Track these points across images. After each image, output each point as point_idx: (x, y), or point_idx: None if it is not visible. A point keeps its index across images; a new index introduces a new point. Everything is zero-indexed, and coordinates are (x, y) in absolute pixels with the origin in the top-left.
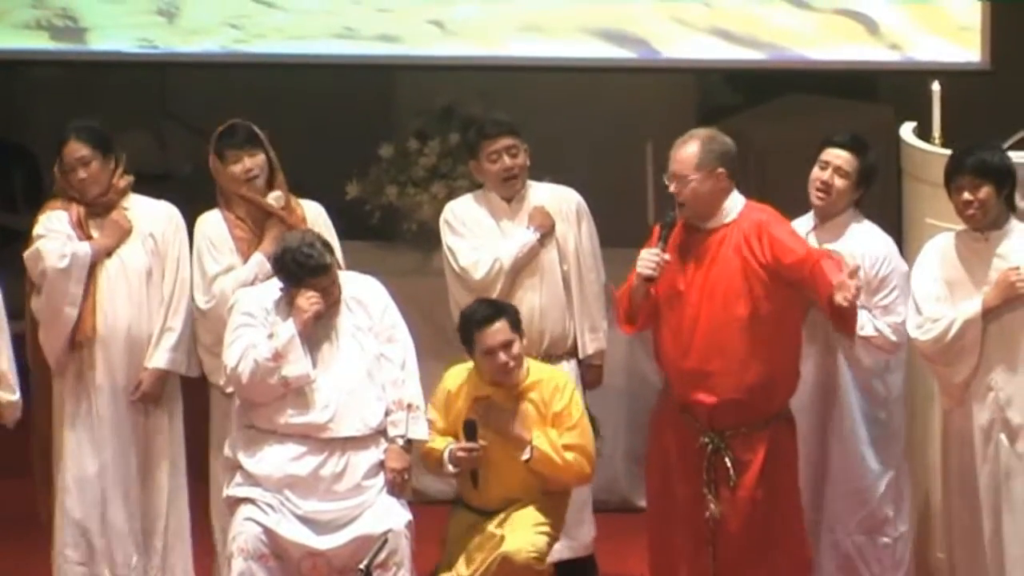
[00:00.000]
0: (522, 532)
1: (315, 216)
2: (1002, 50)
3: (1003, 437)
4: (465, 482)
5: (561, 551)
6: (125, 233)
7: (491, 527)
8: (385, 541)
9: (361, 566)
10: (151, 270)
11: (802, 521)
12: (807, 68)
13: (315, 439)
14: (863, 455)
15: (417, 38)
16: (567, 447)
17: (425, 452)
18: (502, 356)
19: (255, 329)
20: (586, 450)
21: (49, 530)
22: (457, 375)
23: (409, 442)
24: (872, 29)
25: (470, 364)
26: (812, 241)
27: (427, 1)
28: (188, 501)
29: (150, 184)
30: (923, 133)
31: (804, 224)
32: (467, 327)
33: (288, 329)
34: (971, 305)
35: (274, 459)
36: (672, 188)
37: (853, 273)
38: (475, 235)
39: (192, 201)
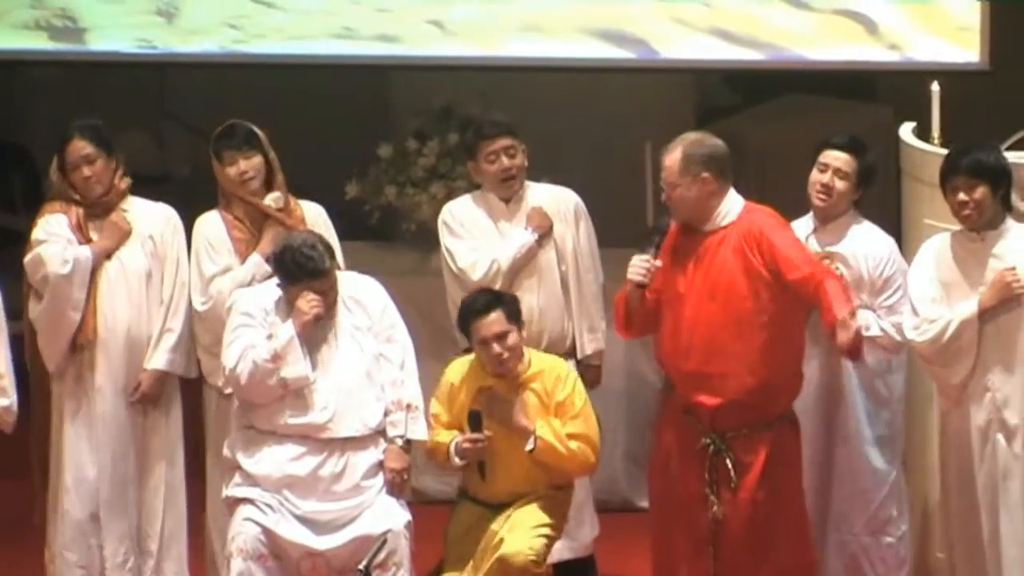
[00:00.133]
0: (521, 534)
1: (315, 217)
2: (1001, 50)
3: (1000, 437)
4: (472, 475)
5: (561, 551)
6: (125, 235)
7: (495, 526)
8: (384, 541)
9: (360, 566)
10: (150, 272)
11: (806, 522)
12: (806, 68)
13: (314, 439)
14: (868, 455)
15: (416, 38)
16: (571, 436)
17: (432, 447)
18: (496, 347)
19: (254, 330)
20: (590, 439)
21: (42, 532)
22: (459, 367)
23: (408, 442)
24: (871, 29)
25: (471, 356)
26: (813, 244)
27: (426, 1)
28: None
29: (149, 184)
30: (922, 133)
31: (804, 226)
32: (465, 316)
33: (287, 330)
34: (967, 306)
35: (273, 459)
36: (663, 195)
37: (854, 313)
38: (473, 236)
39: (191, 201)
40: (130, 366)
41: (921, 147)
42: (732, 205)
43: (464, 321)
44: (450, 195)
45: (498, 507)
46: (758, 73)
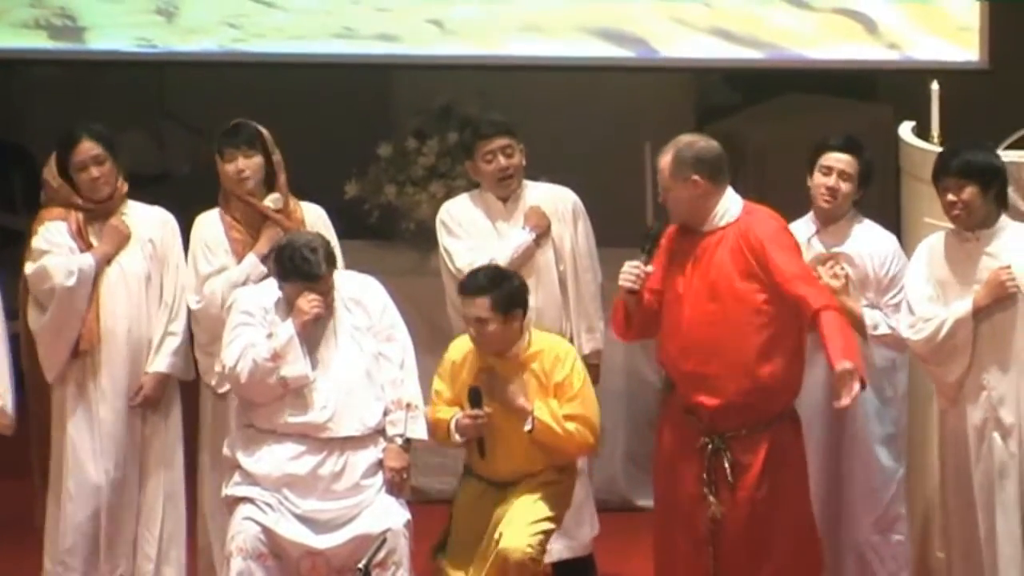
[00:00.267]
0: (519, 529)
1: (314, 219)
2: (1001, 50)
3: (996, 436)
4: (472, 452)
5: (561, 551)
6: (125, 239)
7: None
8: (384, 540)
9: (360, 565)
10: (150, 275)
11: (810, 521)
12: (806, 68)
13: (314, 439)
14: (877, 454)
15: (416, 37)
16: (568, 417)
17: (433, 423)
18: (472, 329)
19: (254, 328)
20: (588, 420)
21: (42, 534)
22: (461, 345)
23: (408, 441)
24: (871, 28)
25: None
26: (817, 245)
27: (426, 1)
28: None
29: (148, 184)
30: (922, 132)
31: (805, 228)
32: (461, 287)
33: (287, 329)
34: (962, 305)
35: (273, 458)
36: (660, 196)
37: (853, 373)
38: (471, 236)
39: (190, 201)
40: (131, 370)
41: (921, 146)
42: (730, 206)
43: (460, 290)
44: (450, 194)
45: (501, 485)
46: (758, 72)
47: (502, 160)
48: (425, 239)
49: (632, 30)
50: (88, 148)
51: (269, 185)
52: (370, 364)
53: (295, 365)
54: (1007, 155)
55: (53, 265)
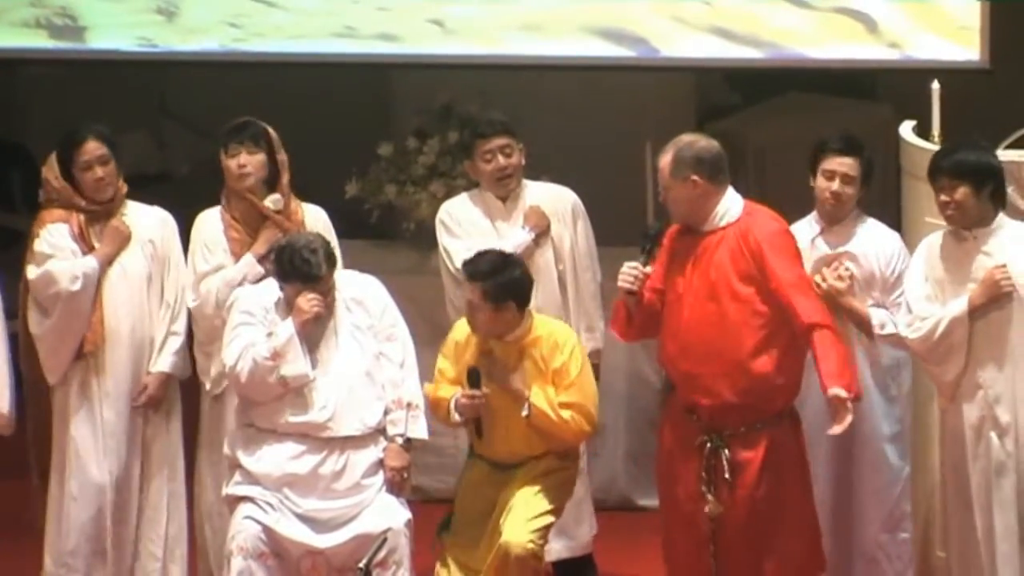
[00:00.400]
0: (520, 521)
1: (315, 220)
2: (1001, 49)
3: (993, 435)
4: (471, 432)
5: (560, 550)
6: (126, 240)
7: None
8: (384, 540)
9: (360, 565)
10: (151, 275)
11: (812, 520)
12: (806, 67)
13: (314, 438)
14: (885, 453)
15: (416, 37)
16: (564, 405)
17: (434, 401)
18: (467, 311)
19: (254, 328)
20: (584, 408)
21: (42, 536)
22: (465, 326)
23: (408, 441)
24: (871, 28)
25: None
26: (821, 245)
27: (426, 0)
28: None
29: (148, 184)
30: (923, 132)
31: (809, 229)
32: (463, 267)
33: (287, 328)
34: (958, 304)
35: (273, 458)
36: (661, 195)
37: (845, 403)
38: (470, 235)
39: (191, 201)
40: (133, 370)
41: (921, 145)
42: (731, 206)
43: (463, 271)
44: (450, 194)
45: (504, 467)
46: (758, 72)
47: (501, 160)
48: (425, 239)
49: (633, 30)
50: (93, 148)
51: (271, 185)
52: (371, 364)
53: (295, 364)
54: (1007, 154)
55: (58, 270)
